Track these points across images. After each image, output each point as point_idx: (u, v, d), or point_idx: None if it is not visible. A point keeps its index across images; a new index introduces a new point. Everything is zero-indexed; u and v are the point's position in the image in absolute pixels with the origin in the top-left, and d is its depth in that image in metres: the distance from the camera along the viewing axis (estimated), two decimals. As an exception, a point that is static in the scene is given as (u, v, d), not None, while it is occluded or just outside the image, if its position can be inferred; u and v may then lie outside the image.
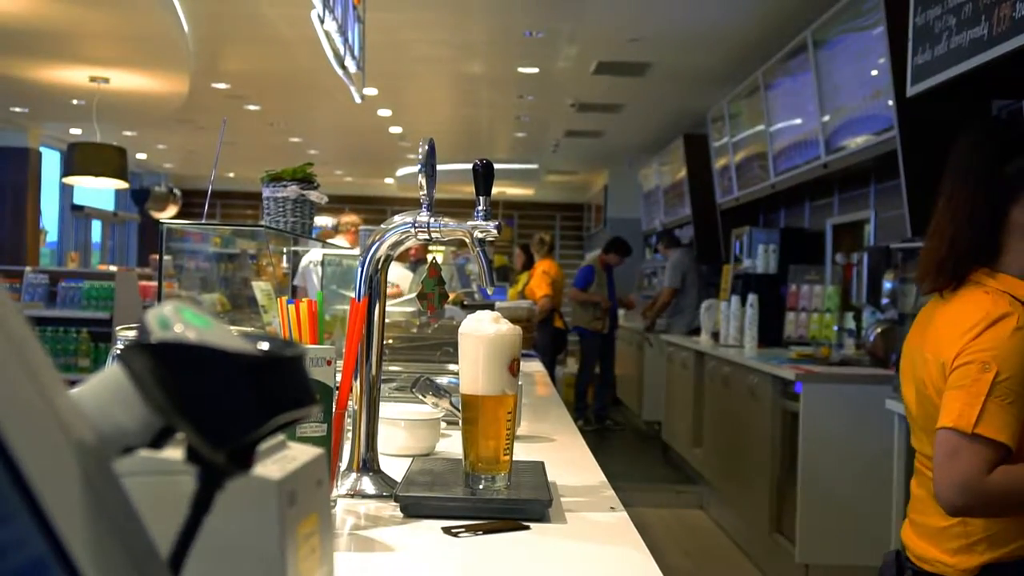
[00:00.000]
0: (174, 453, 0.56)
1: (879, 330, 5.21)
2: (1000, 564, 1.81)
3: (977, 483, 1.74)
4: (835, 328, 6.02)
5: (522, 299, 8.83)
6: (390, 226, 1.63)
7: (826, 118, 5.83)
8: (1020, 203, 1.86)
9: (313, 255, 5.37)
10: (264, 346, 0.54)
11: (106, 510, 0.50)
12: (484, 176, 1.58)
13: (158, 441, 0.55)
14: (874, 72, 5.03)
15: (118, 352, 1.41)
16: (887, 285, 5.19)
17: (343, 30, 4.51)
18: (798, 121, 6.45)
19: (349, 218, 7.25)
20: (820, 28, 5.81)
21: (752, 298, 6.62)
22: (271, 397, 0.53)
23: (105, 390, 0.55)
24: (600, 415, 9.85)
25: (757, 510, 5.61)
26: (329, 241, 5.02)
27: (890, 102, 4.69)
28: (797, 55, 6.28)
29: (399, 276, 5.42)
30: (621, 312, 10.42)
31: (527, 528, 1.42)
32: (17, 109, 9.90)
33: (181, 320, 0.53)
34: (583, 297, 9.58)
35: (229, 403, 0.52)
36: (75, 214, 13.53)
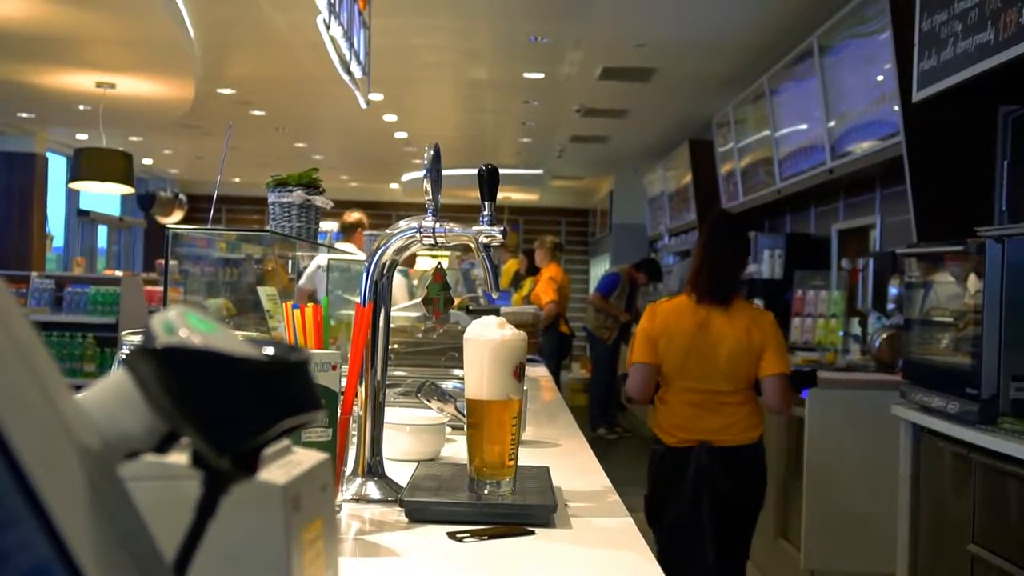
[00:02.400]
0: (179, 458, 0.56)
1: (885, 335, 5.19)
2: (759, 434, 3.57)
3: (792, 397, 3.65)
4: (841, 334, 6.01)
5: (527, 304, 8.82)
6: (395, 231, 1.63)
7: (832, 123, 5.83)
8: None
9: (321, 259, 5.35)
10: (269, 351, 0.54)
11: (111, 515, 0.50)
12: (489, 181, 1.58)
13: (163, 446, 0.55)
14: (880, 77, 5.03)
15: (123, 357, 1.41)
16: (893, 291, 5.18)
17: (349, 36, 4.52)
18: (804, 126, 6.45)
19: (354, 217, 7.05)
20: (826, 33, 5.81)
21: (758, 303, 6.61)
22: (276, 402, 0.53)
23: (110, 395, 0.55)
24: (609, 421, 9.85)
25: (762, 516, 5.59)
26: (336, 245, 5.01)
27: (896, 107, 4.69)
28: (803, 60, 6.28)
29: (395, 284, 5.36)
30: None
31: (532, 533, 1.42)
32: (24, 115, 9.93)
33: (186, 325, 0.53)
34: (602, 306, 9.50)
35: (234, 408, 0.52)
36: (81, 219, 13.56)
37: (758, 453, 3.59)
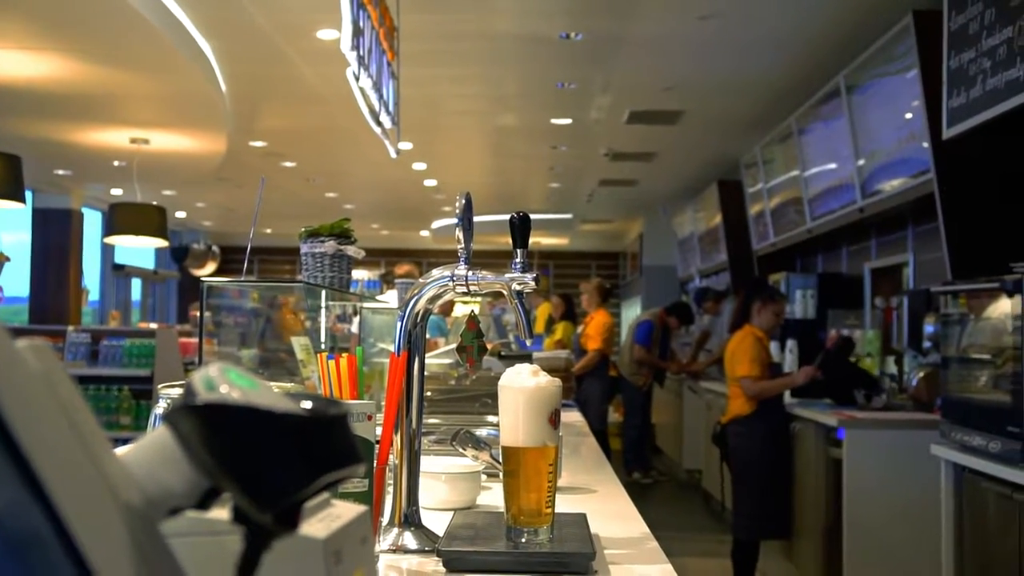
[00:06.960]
0: (221, 514, 0.56)
1: (922, 374, 5.14)
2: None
3: (756, 390, 5.39)
4: (877, 372, 5.95)
5: (559, 349, 8.75)
6: (428, 280, 1.63)
7: (861, 162, 5.81)
8: (754, 303, 5.52)
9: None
10: (307, 405, 0.54)
11: (154, 571, 0.50)
12: (521, 229, 1.59)
13: (205, 502, 0.55)
14: (908, 115, 5.02)
15: (164, 413, 1.42)
16: (928, 329, 5.13)
17: (378, 87, 4.57)
18: (833, 166, 6.43)
19: (403, 269, 7.15)
20: (853, 73, 5.81)
21: (791, 343, 6.57)
22: (317, 457, 0.53)
23: (152, 452, 0.55)
24: (643, 465, 9.74)
25: (804, 558, 5.52)
26: (379, 297, 5.04)
27: (926, 144, 4.67)
28: (830, 100, 6.28)
29: None
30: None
31: (571, 582, 1.41)
32: (61, 172, 10.09)
33: (226, 381, 0.53)
34: (647, 358, 9.27)
35: (275, 464, 0.52)
36: (116, 273, 13.70)
37: (729, 428, 5.56)
